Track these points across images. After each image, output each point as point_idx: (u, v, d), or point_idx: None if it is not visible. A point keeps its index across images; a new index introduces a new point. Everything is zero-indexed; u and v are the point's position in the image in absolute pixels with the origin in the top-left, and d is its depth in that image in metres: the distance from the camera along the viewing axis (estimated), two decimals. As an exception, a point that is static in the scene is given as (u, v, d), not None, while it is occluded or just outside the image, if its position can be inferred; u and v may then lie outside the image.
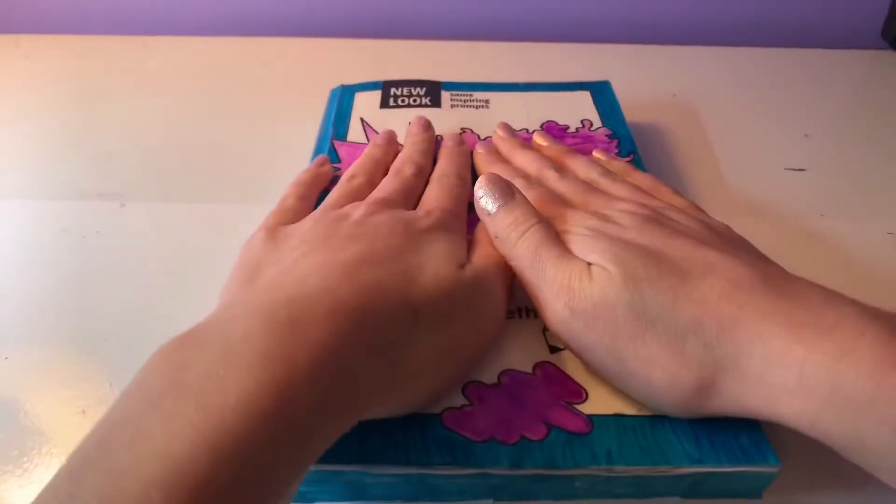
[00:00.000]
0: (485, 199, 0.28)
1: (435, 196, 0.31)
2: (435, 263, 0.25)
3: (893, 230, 0.36)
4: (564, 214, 0.28)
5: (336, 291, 0.21)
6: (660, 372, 0.23)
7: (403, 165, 0.33)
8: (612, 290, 0.23)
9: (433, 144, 0.37)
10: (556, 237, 0.26)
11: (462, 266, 0.26)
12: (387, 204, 0.29)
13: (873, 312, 0.21)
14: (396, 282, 0.23)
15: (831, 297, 0.22)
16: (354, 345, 0.20)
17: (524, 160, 0.35)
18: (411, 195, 0.31)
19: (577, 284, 0.24)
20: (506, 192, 0.28)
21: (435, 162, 0.35)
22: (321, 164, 0.35)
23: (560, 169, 0.33)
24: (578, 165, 0.34)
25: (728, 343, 0.22)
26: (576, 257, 0.25)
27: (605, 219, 0.27)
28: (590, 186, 0.32)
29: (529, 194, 0.30)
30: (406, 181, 0.32)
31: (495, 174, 0.28)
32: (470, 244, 0.28)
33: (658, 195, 0.31)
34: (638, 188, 0.31)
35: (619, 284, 0.23)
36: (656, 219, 0.26)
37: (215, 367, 0.18)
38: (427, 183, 0.33)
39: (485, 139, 0.38)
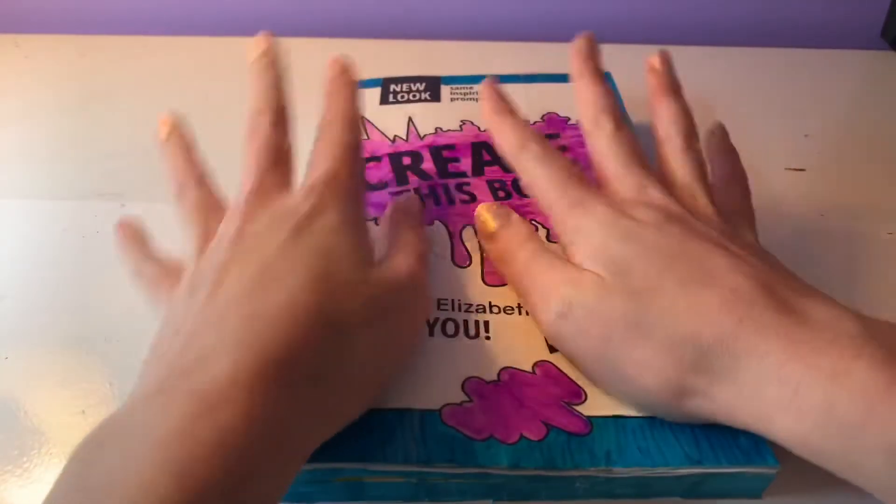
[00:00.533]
0: (482, 224, 0.29)
1: (319, 159, 0.26)
2: (343, 269, 0.23)
3: (893, 230, 0.36)
4: (584, 201, 0.26)
5: (234, 347, 0.20)
6: (653, 376, 0.22)
7: (256, 118, 0.28)
8: (608, 299, 0.23)
9: (280, 72, 0.31)
10: (546, 249, 0.27)
11: (371, 263, 0.24)
12: (259, 194, 0.25)
13: (873, 332, 0.20)
14: (306, 297, 0.21)
15: (835, 313, 0.21)
16: (272, 394, 0.19)
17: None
18: (280, 159, 0.27)
19: (568, 291, 0.24)
20: (502, 214, 0.29)
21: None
22: (125, 226, 0.31)
23: (619, 124, 0.29)
24: (668, 112, 0.31)
25: (725, 355, 0.21)
26: (569, 265, 0.25)
27: (623, 213, 0.25)
28: (637, 158, 0.28)
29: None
30: (266, 141, 0.27)
31: (489, 203, 0.30)
32: (391, 239, 0.27)
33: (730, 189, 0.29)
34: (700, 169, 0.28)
35: (616, 294, 0.23)
36: (680, 218, 0.25)
37: (116, 461, 0.17)
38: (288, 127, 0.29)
39: (485, 131, 0.38)
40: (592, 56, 0.32)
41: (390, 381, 0.25)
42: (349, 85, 0.30)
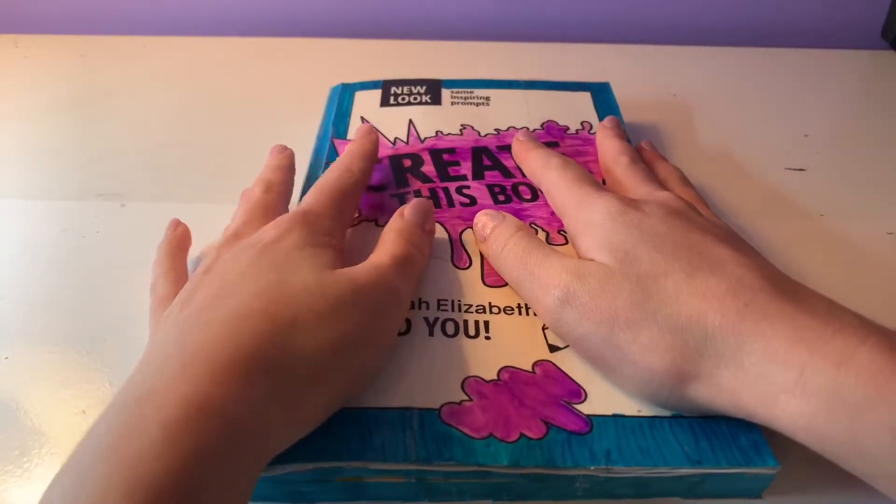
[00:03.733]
0: (480, 228, 0.30)
1: (305, 199, 0.29)
2: (296, 273, 0.24)
3: (893, 230, 0.36)
4: (593, 198, 0.28)
5: (185, 344, 0.20)
6: (658, 358, 0.23)
7: (252, 188, 0.31)
8: (613, 283, 0.24)
9: (290, 160, 0.34)
10: (541, 242, 0.28)
11: (333, 268, 0.25)
12: (236, 236, 0.27)
13: (875, 325, 0.21)
14: (258, 302, 0.22)
15: (835, 307, 0.22)
16: (224, 386, 0.19)
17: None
18: (268, 215, 0.29)
19: (570, 279, 0.25)
20: (496, 216, 0.30)
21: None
22: (175, 227, 0.32)
23: (635, 159, 0.34)
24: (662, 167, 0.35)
25: (730, 337, 0.22)
26: (567, 257, 0.26)
27: (631, 206, 0.27)
28: (649, 178, 0.32)
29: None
30: (255, 202, 0.30)
31: (488, 211, 0.31)
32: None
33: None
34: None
35: (622, 279, 0.24)
36: (685, 213, 0.27)
37: (69, 480, 0.17)
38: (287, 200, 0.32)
39: (485, 135, 0.38)
40: (616, 126, 0.37)
41: (366, 381, 0.24)
42: (364, 143, 0.34)
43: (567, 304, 0.24)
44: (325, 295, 0.23)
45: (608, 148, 0.35)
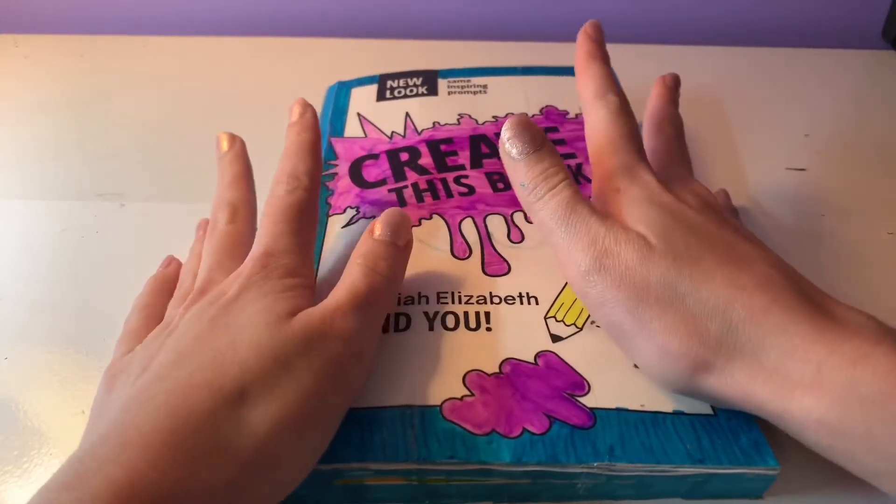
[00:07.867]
0: (510, 144, 0.26)
1: (260, 234, 0.26)
2: (249, 332, 0.22)
3: (893, 230, 0.36)
4: (635, 168, 0.27)
5: (125, 421, 0.20)
6: (678, 342, 0.23)
7: (215, 215, 0.28)
8: (651, 258, 0.24)
9: (242, 160, 0.30)
10: (584, 198, 0.26)
11: (290, 315, 0.23)
12: (204, 289, 0.25)
13: (889, 328, 0.22)
14: (203, 375, 0.21)
15: (852, 310, 0.23)
16: (156, 470, 0.18)
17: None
18: (236, 254, 0.27)
19: (611, 245, 0.24)
20: (536, 139, 0.26)
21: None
22: (167, 265, 0.31)
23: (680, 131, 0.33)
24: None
25: (753, 329, 0.22)
26: (610, 220, 0.25)
27: (668, 189, 0.27)
28: (687, 158, 0.31)
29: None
30: (222, 239, 0.27)
31: (526, 118, 0.26)
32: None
33: None
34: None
35: (659, 256, 0.24)
36: (716, 208, 0.27)
37: None
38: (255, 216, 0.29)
39: (483, 123, 0.38)
40: (675, 88, 0.35)
41: (312, 465, 0.22)
42: (307, 128, 0.30)
43: (602, 269, 0.24)
44: (275, 351, 0.22)
45: (661, 109, 0.33)
